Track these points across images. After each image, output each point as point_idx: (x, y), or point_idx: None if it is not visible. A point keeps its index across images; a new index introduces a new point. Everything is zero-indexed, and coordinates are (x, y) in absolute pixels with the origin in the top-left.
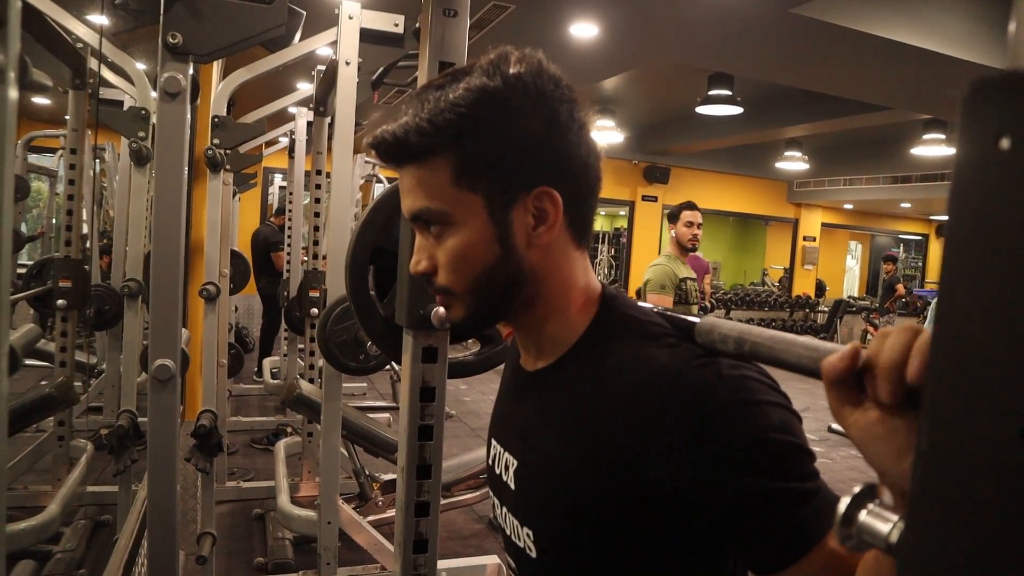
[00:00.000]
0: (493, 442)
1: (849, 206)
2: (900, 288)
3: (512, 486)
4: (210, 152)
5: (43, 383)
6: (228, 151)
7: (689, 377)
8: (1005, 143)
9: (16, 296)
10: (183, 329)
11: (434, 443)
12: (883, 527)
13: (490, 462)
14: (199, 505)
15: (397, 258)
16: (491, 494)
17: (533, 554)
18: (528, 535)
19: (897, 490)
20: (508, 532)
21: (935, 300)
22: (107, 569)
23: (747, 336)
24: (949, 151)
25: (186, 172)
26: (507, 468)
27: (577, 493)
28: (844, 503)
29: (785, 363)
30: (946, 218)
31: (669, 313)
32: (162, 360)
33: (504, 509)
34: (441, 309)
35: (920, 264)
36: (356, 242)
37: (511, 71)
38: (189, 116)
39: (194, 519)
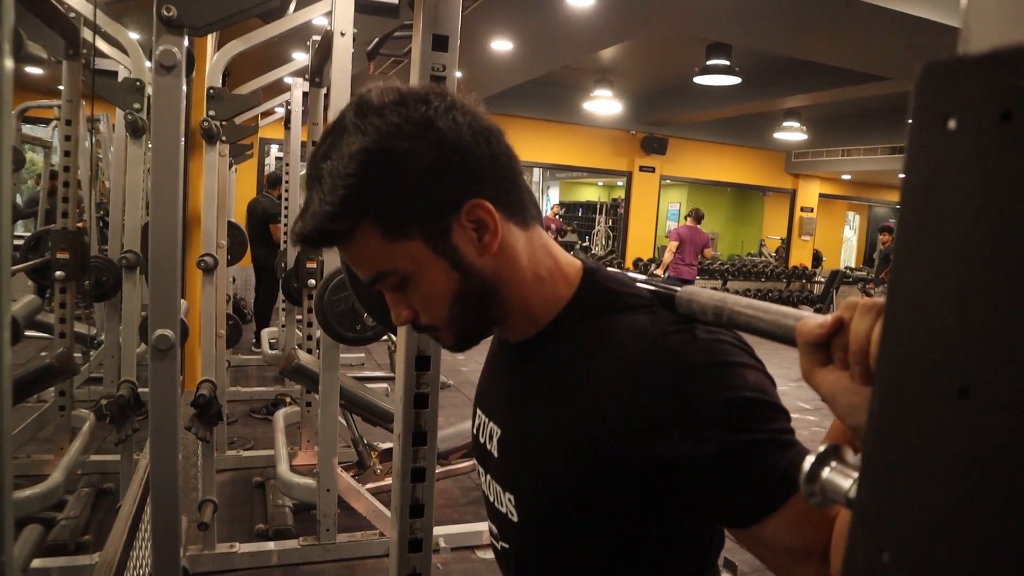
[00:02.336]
0: (478, 412)
1: (847, 177)
2: None
3: (495, 454)
4: (206, 124)
5: (43, 354)
6: (224, 123)
7: (665, 343)
8: (952, 124)
9: (15, 268)
10: (182, 300)
11: (429, 411)
12: (844, 483)
13: (475, 431)
14: (200, 473)
15: None
16: (477, 463)
17: (515, 518)
18: (510, 500)
19: None
20: (491, 499)
21: None
22: (111, 535)
23: (724, 305)
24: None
25: (183, 145)
26: (491, 437)
27: (559, 459)
28: (809, 461)
29: (761, 330)
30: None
31: (653, 282)
32: (162, 330)
33: (488, 476)
34: None
35: None
36: None
37: (376, 119)
38: (185, 89)
39: (195, 487)
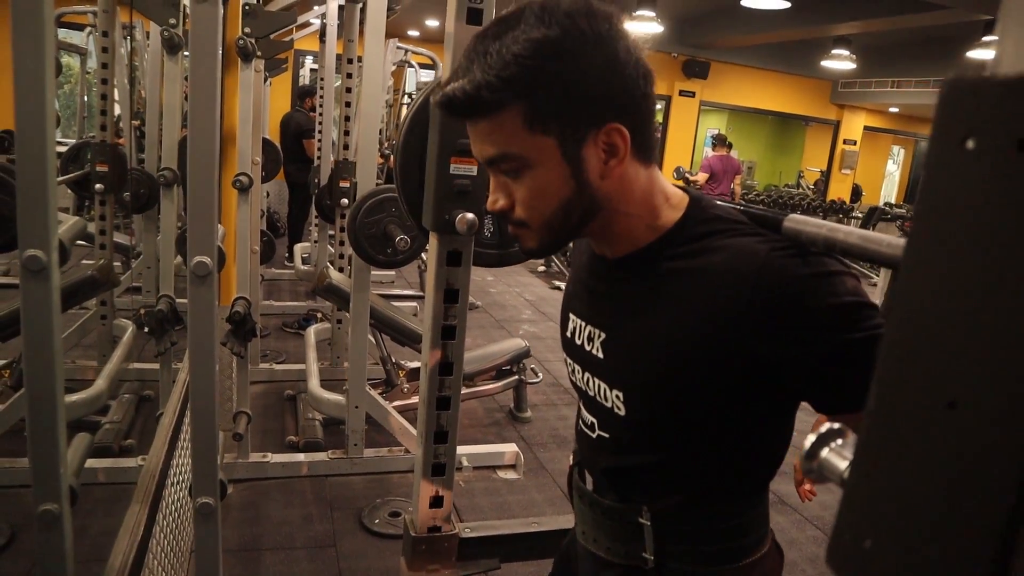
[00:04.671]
0: (571, 316)
1: (895, 109)
2: None
3: (600, 355)
4: (241, 42)
5: (85, 262)
6: (259, 39)
7: (775, 259)
8: (970, 144)
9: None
10: (219, 226)
11: (456, 342)
12: (840, 464)
13: (568, 334)
14: (234, 386)
15: None
16: (569, 361)
17: (622, 412)
18: (618, 396)
19: None
20: (592, 394)
21: None
22: (153, 445)
23: (835, 236)
24: None
25: (220, 70)
26: (591, 339)
27: (670, 360)
28: (810, 439)
29: (872, 258)
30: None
31: (751, 210)
32: (200, 257)
33: (587, 374)
34: (470, 215)
35: None
36: (405, 141)
37: (564, 18)
38: (222, 12)
39: (230, 398)
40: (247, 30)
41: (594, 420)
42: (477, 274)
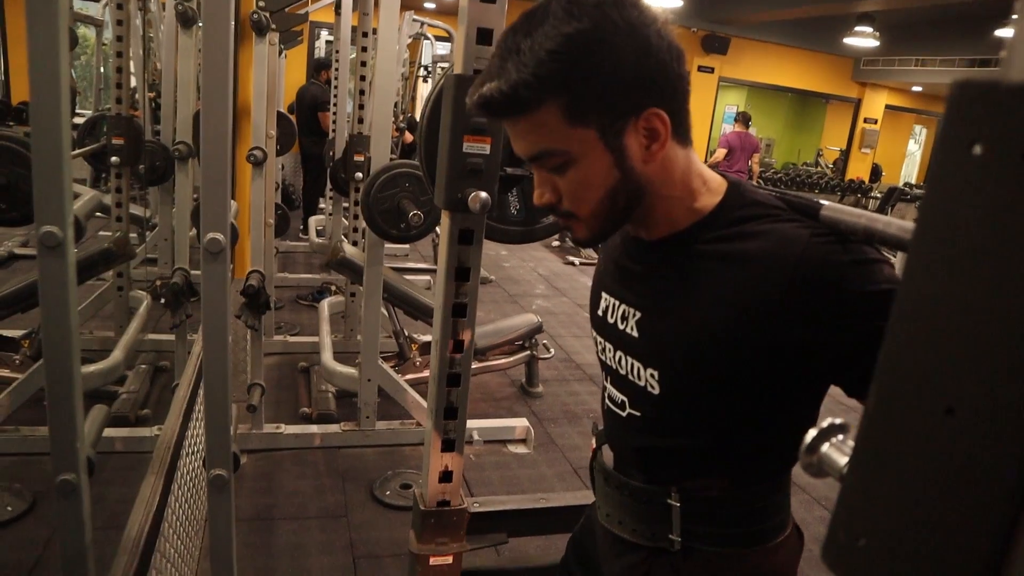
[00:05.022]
0: (603, 295)
1: (918, 88)
2: None
3: (635, 334)
4: (255, 16)
5: (102, 233)
6: (273, 13)
7: (816, 245)
8: (977, 149)
9: (73, 153)
10: (232, 202)
11: (467, 319)
12: (840, 460)
13: (600, 313)
14: (248, 358)
15: None
16: (599, 339)
17: (656, 391)
18: (652, 375)
19: None
20: (623, 372)
21: None
22: (168, 418)
23: (874, 226)
24: None
25: (232, 48)
26: (625, 318)
27: (707, 341)
28: (811, 434)
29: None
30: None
31: (788, 196)
32: (213, 234)
33: (619, 353)
34: (483, 194)
35: None
36: (430, 117)
37: (593, 9)
38: None
39: (244, 370)
40: (261, 3)
41: (624, 398)
42: (491, 248)
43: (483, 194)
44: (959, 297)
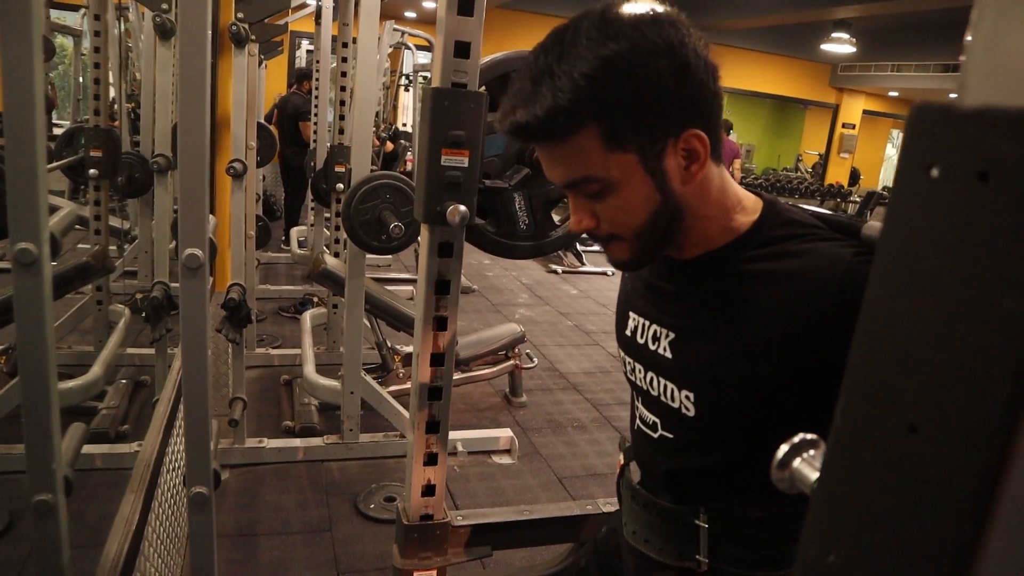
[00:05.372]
0: (631, 315)
1: (895, 93)
2: None
3: (668, 355)
4: (234, 28)
5: (80, 246)
6: (253, 24)
7: (860, 264)
8: (935, 172)
9: (51, 166)
10: (211, 216)
11: (448, 333)
12: (811, 475)
13: (628, 333)
14: (230, 372)
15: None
16: (628, 359)
17: (691, 412)
18: (687, 396)
19: None
20: (655, 394)
21: None
22: (148, 435)
23: None
24: None
25: (209, 57)
26: (656, 338)
27: (749, 361)
28: (783, 450)
29: None
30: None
31: (826, 215)
32: (191, 250)
33: (650, 374)
34: (462, 207)
35: None
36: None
37: (630, 30)
38: (209, 7)
39: (226, 384)
40: (240, 15)
41: (656, 420)
42: (473, 257)
43: (462, 207)
44: (920, 317)
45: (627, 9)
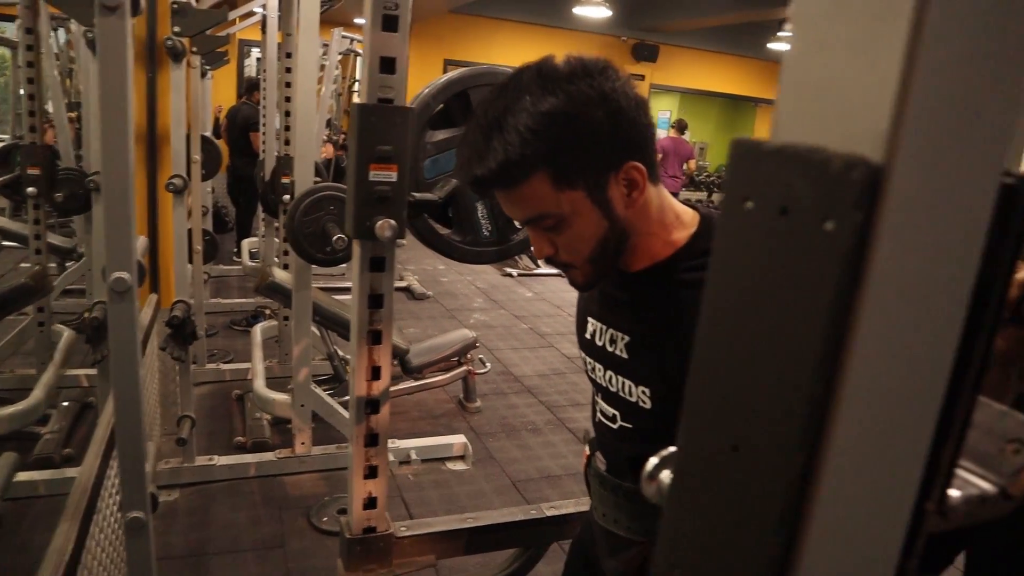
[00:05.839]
0: (590, 320)
1: None
2: None
3: (624, 355)
4: (170, 43)
5: (24, 265)
6: (193, 36)
7: None
8: (749, 204)
9: None
10: (141, 237)
11: (383, 347)
12: None
13: (588, 336)
14: (179, 389)
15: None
16: (588, 360)
17: (648, 405)
18: (643, 392)
19: None
20: (614, 390)
21: None
22: (85, 459)
23: None
24: None
25: (131, 73)
26: (613, 341)
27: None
28: (652, 462)
29: None
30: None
31: None
32: (119, 273)
33: (609, 372)
34: (386, 221)
35: None
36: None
37: (566, 84)
38: (130, 28)
39: (176, 402)
40: (176, 29)
41: (616, 412)
42: (428, 263)
43: (391, 222)
44: (737, 343)
45: (561, 64)
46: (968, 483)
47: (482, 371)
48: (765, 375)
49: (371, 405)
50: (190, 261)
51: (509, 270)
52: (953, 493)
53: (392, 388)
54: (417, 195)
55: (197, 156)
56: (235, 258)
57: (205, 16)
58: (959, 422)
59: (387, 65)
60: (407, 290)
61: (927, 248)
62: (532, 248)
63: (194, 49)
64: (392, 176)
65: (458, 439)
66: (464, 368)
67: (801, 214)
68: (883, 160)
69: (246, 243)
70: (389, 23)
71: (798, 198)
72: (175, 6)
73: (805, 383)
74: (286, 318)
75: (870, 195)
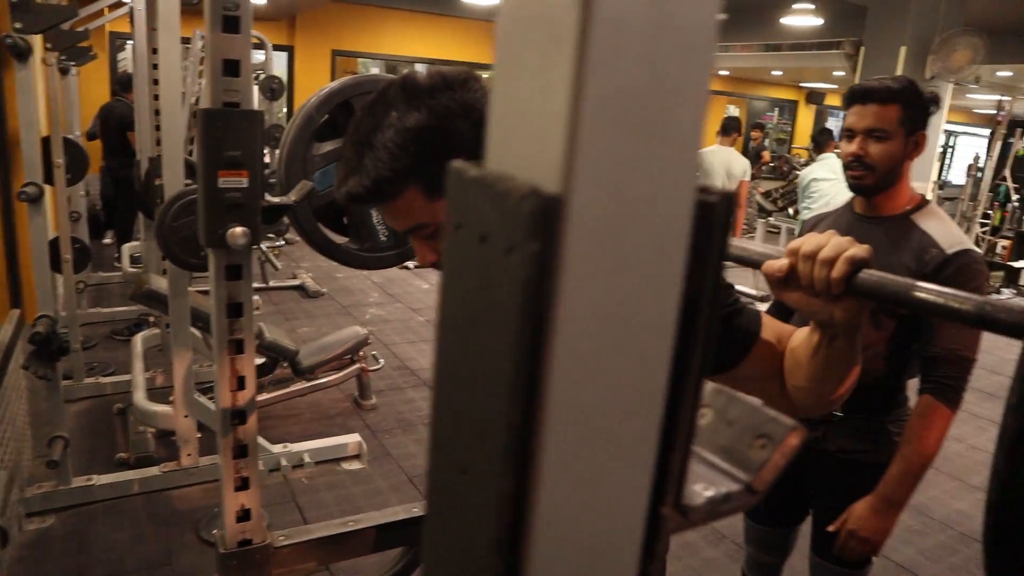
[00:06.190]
0: None
1: (725, 72)
2: (766, 155)
3: None
4: (10, 40)
5: None
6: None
7: None
8: (462, 231)
9: None
10: None
11: (246, 356)
12: None
13: None
14: (50, 409)
15: None
16: None
17: None
18: None
19: (818, 323)
20: None
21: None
22: None
23: None
24: (817, 21)
25: None
26: None
27: None
28: None
29: (747, 262)
30: None
31: None
32: None
33: None
34: (238, 229)
35: (790, 129)
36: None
37: (428, 99)
38: None
39: (49, 421)
40: (18, 25)
41: None
42: (323, 260)
43: (242, 229)
44: (461, 367)
45: (423, 79)
46: (715, 481)
47: (375, 367)
48: (478, 400)
49: (237, 416)
50: (59, 271)
51: (407, 263)
52: (699, 491)
53: (283, 391)
54: (272, 199)
55: (60, 160)
56: (116, 264)
57: (51, 12)
58: (684, 430)
59: (230, 68)
60: (301, 288)
61: (622, 270)
62: (417, 257)
63: (48, 46)
64: (243, 182)
65: (352, 438)
66: (357, 366)
67: (494, 242)
68: (560, 189)
69: (126, 248)
70: (230, 24)
71: (491, 227)
72: (13, 2)
73: (504, 409)
74: (168, 325)
75: (547, 224)
